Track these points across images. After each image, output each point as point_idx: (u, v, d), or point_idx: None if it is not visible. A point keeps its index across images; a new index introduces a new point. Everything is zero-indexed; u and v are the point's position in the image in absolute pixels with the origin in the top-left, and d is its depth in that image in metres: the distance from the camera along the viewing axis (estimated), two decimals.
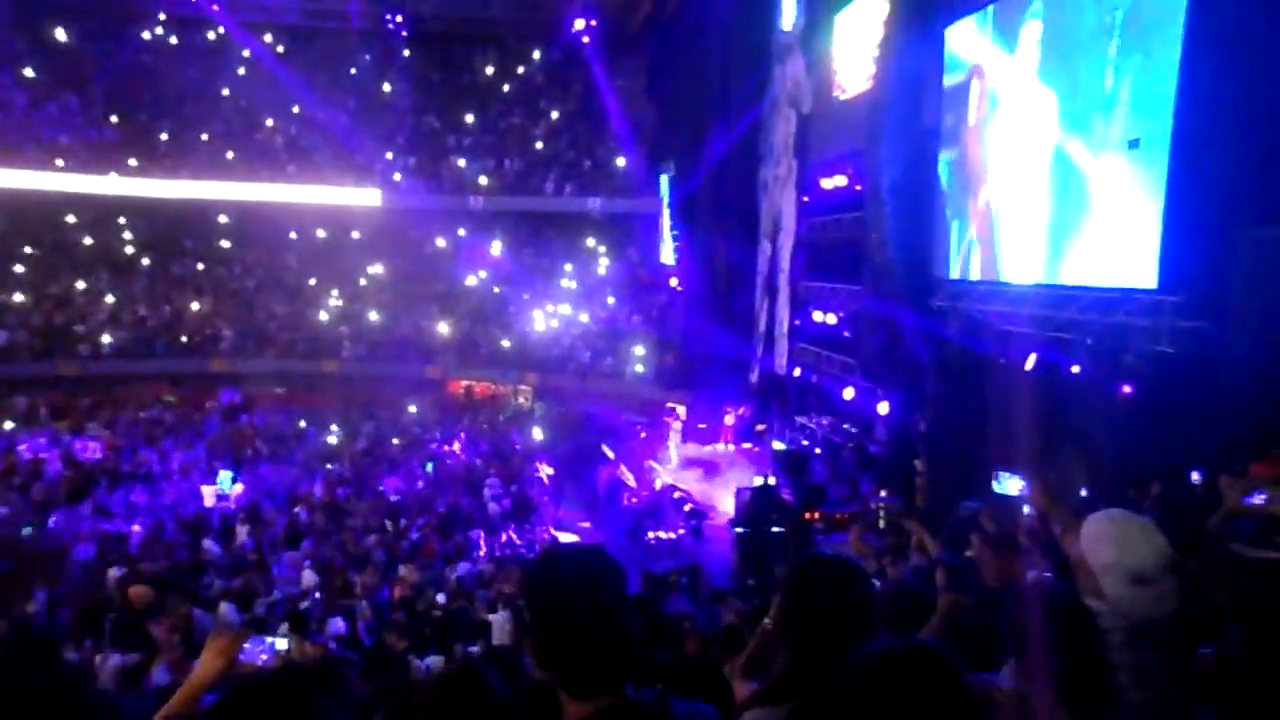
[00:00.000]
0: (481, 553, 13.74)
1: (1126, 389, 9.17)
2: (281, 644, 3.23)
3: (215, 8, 29.21)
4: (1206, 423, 7.31)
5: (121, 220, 29.74)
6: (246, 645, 3.11)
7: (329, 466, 18.71)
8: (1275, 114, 7.24)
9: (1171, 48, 8.42)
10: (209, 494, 15.98)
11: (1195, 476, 6.93)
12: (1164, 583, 2.28)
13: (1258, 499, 4.66)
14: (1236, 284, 8.03)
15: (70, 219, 28.95)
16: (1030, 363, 10.69)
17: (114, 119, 30.28)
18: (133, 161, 28.61)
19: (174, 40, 31.79)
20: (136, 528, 13.74)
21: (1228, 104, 7.66)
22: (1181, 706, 2.24)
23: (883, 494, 13.96)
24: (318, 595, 10.60)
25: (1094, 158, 9.82)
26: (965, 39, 12.88)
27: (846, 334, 16.71)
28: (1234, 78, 7.59)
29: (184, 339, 26.67)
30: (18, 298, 25.92)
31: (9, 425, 21.36)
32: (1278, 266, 7.71)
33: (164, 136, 30.22)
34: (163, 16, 31.19)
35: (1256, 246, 7.92)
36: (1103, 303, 9.74)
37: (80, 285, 27.45)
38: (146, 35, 31.49)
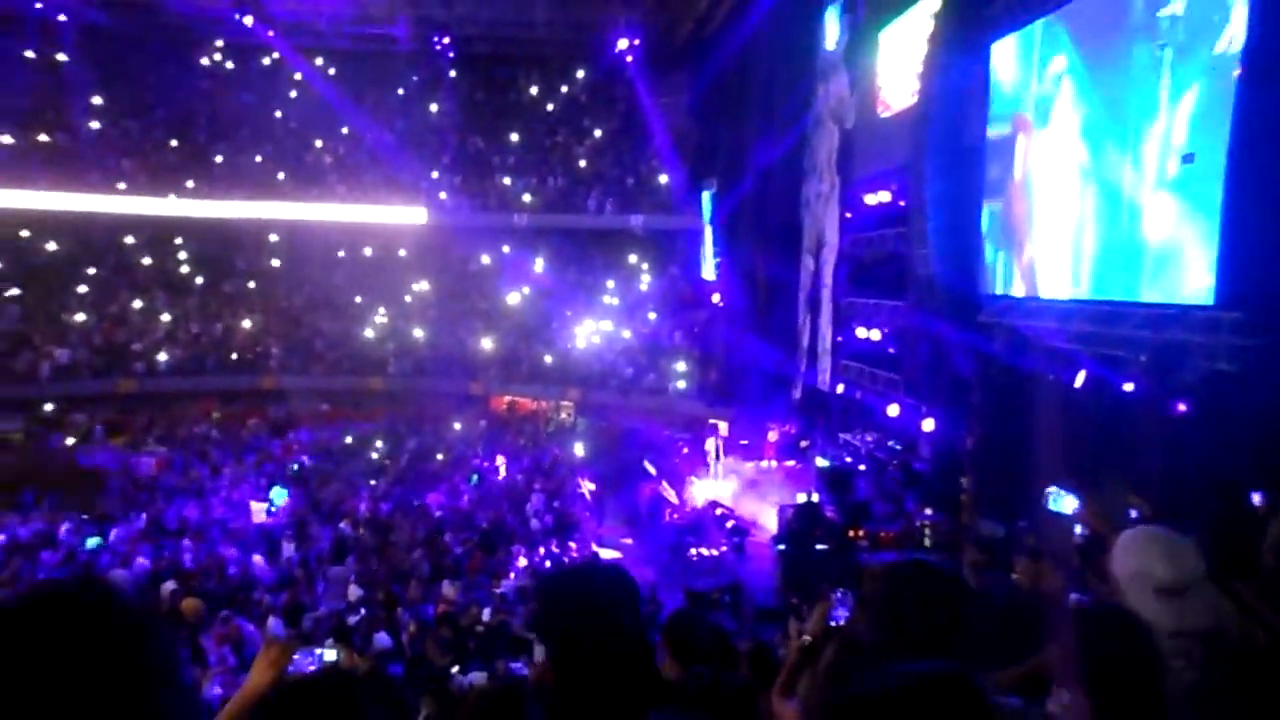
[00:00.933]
0: (522, 566, 13.80)
1: (1182, 407, 8.97)
2: (330, 655, 3.27)
3: (271, 34, 29.92)
4: (1268, 442, 7.13)
5: (178, 240, 30.49)
6: (296, 656, 3.16)
7: (373, 482, 18.93)
8: None
9: (1228, 65, 8.28)
10: (257, 510, 16.24)
11: (1257, 498, 6.75)
12: (1193, 597, 2.24)
13: None
14: None
15: (129, 239, 29.76)
16: (1080, 380, 10.49)
17: (173, 142, 31.13)
18: (190, 183, 29.36)
19: (230, 65, 32.65)
20: (188, 542, 14.00)
21: None
22: None
23: (928, 512, 13.78)
24: (363, 610, 10.72)
25: (1145, 174, 9.66)
26: (1009, 65, 12.77)
27: (890, 350, 16.54)
28: None
29: (234, 356, 27.22)
30: (79, 317, 26.68)
31: (70, 441, 21.96)
32: None
33: (219, 158, 30.97)
34: (220, 43, 32.07)
35: None
36: (1156, 319, 9.55)
37: (138, 304, 28.17)
38: (205, 61, 32.40)
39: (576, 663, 1.67)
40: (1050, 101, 11.73)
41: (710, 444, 19.86)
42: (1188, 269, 8.94)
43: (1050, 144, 11.75)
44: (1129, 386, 9.67)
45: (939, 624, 1.91)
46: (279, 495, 17.10)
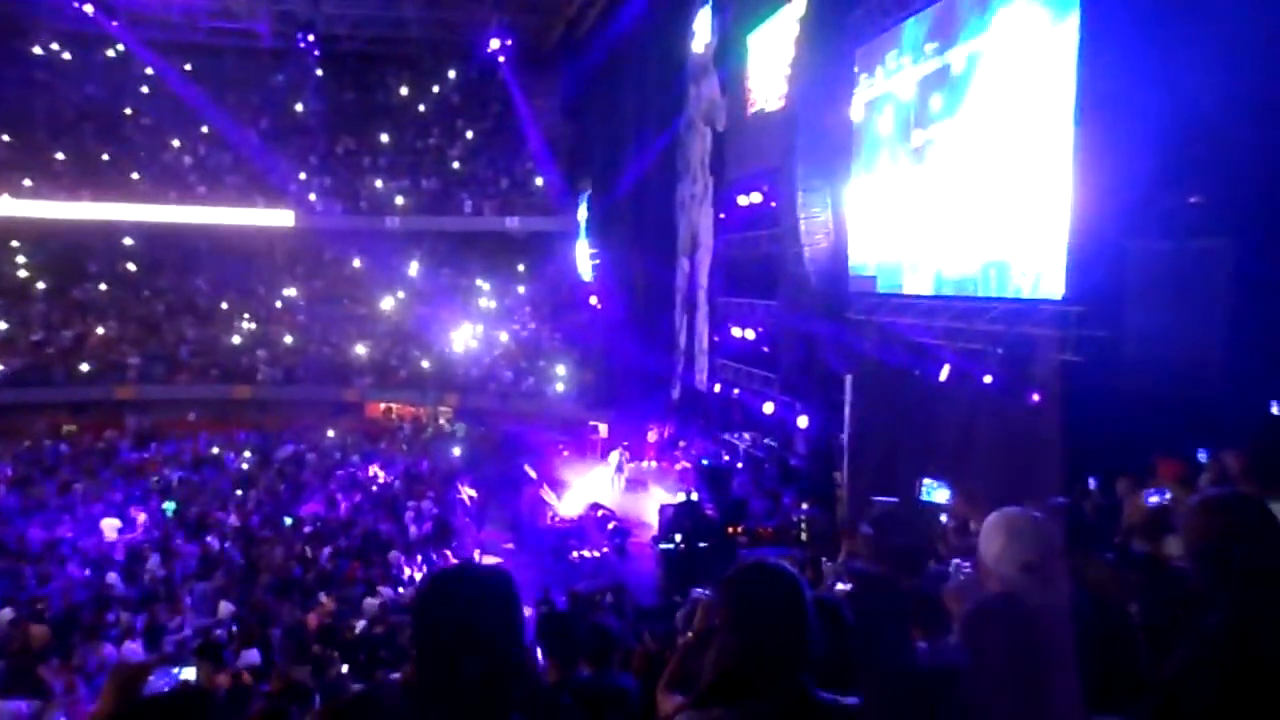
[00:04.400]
0: (405, 576, 13.48)
1: (1035, 398, 9.47)
2: (189, 673, 3.09)
3: (115, 24, 28.17)
4: (1111, 428, 7.58)
5: (15, 243, 28.43)
6: (151, 678, 2.96)
7: (239, 493, 18.14)
8: (1169, 130, 7.58)
9: (1067, 75, 8.82)
10: (109, 527, 15.31)
11: (1091, 483, 7.20)
12: (1051, 569, 2.40)
13: (1153, 498, 4.87)
14: (1135, 294, 8.37)
15: None
16: (944, 373, 10.96)
17: (4, 137, 29.00)
18: (27, 182, 27.42)
19: (68, 56, 30.60)
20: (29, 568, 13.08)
21: (1123, 119, 8.01)
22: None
23: (804, 506, 14.11)
24: (234, 626, 10.25)
25: (1003, 172, 10.17)
26: (873, 61, 13.24)
27: (765, 349, 16.92)
28: (1130, 94, 7.95)
29: (85, 366, 25.57)
30: None
31: None
32: (1167, 278, 8.07)
33: (60, 156, 29.06)
34: (57, 32, 29.98)
35: (1148, 258, 8.28)
36: (1012, 313, 10.07)
37: None
38: (38, 50, 30.24)
39: (440, 662, 1.62)
40: (907, 105, 12.21)
41: (614, 457, 19.62)
42: (1038, 265, 9.45)
43: (911, 143, 12.22)
44: (988, 379, 10.15)
45: (781, 621, 1.96)
46: (169, 507, 16.56)
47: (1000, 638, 2.19)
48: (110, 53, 30.42)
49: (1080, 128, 8.68)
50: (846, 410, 13.90)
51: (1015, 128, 9.88)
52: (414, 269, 30.84)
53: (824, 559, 7.34)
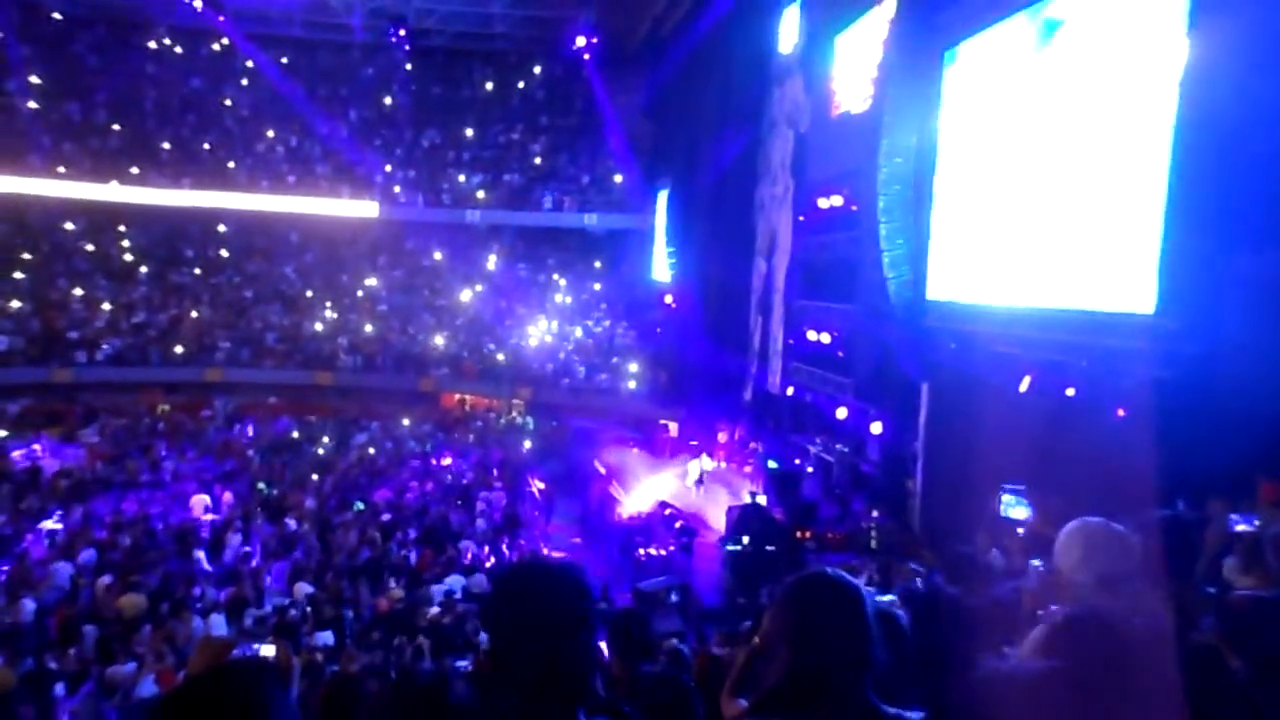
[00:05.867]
0: (474, 565, 13.69)
1: (1121, 412, 9.17)
2: (268, 651, 3.21)
3: (221, 19, 29.34)
4: (1201, 447, 7.31)
5: (121, 228, 29.77)
6: (234, 653, 3.10)
7: (315, 477, 18.65)
8: (1271, 140, 7.28)
9: (1169, 83, 8.50)
10: (198, 504, 15.90)
11: (1180, 505, 6.94)
12: (1132, 585, 2.32)
13: (1241, 525, 4.67)
14: (1233, 310, 8.04)
15: (69, 225, 28.97)
16: (1024, 385, 10.69)
17: (116, 127, 30.38)
18: (134, 169, 28.68)
19: (179, 50, 31.97)
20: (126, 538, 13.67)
21: (1225, 131, 7.71)
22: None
23: (875, 514, 13.93)
24: (307, 608, 10.56)
25: (1092, 183, 9.87)
26: (963, 66, 12.98)
27: (840, 353, 16.71)
28: (1233, 106, 7.65)
29: (180, 348, 26.63)
30: (15, 304, 25.89)
31: (2, 433, 21.30)
32: (1267, 295, 7.74)
33: (166, 145, 30.31)
34: (168, 27, 31.37)
35: (1248, 273, 7.95)
36: (1097, 325, 9.76)
37: (78, 292, 27.42)
38: (152, 45, 31.70)
39: (515, 654, 1.66)
40: (995, 109, 11.93)
41: (694, 466, 19.17)
42: (1129, 277, 9.15)
43: (998, 151, 11.95)
44: (1070, 391, 9.87)
45: (841, 632, 1.94)
46: (263, 487, 17.29)
47: (1087, 649, 2.12)
48: (215, 46, 31.64)
49: (1179, 135, 8.37)
50: (922, 418, 13.67)
51: (1110, 133, 9.58)
52: (492, 262, 31.30)
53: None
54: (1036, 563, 4.30)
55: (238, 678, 1.44)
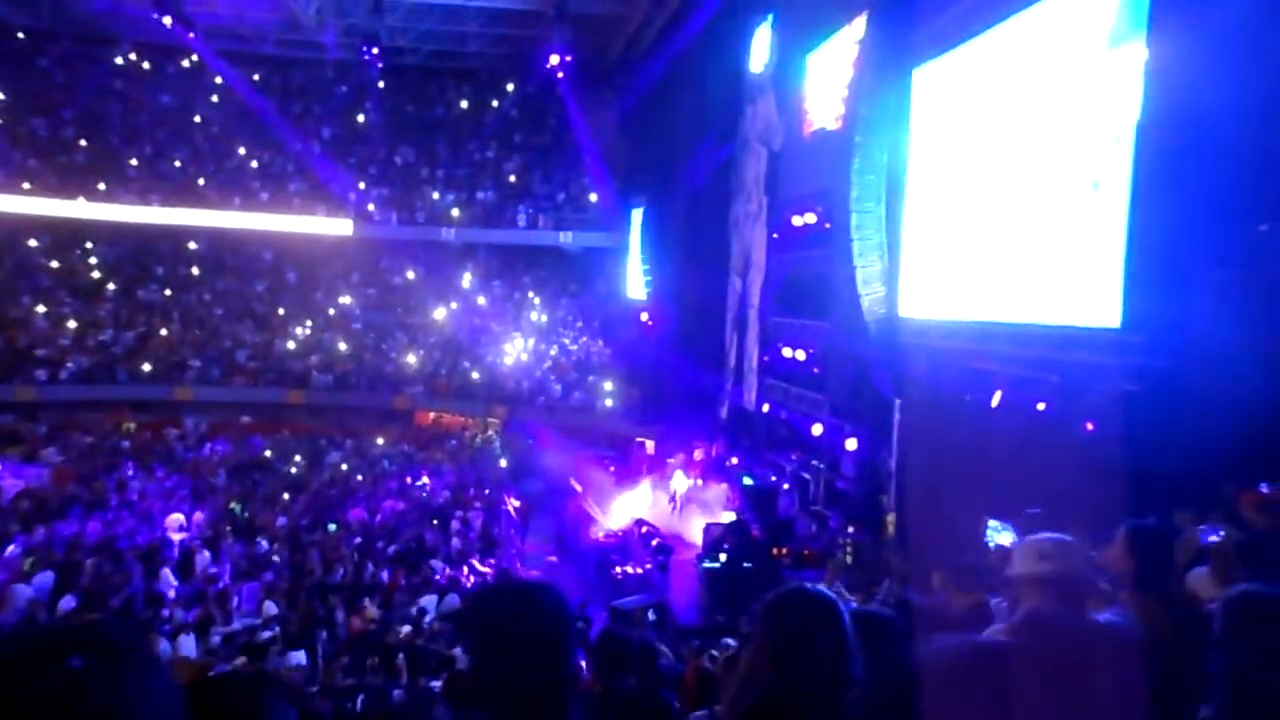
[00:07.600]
0: (448, 584, 13.56)
1: (1089, 426, 9.27)
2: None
3: (191, 36, 29.09)
4: (1168, 460, 7.39)
5: (88, 245, 29.40)
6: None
7: (286, 496, 18.43)
8: (1233, 160, 7.42)
9: (1131, 96, 8.65)
10: (173, 523, 15.63)
11: (1151, 517, 6.99)
12: (1079, 590, 2.55)
13: (1211, 536, 4.73)
14: (1198, 322, 8.16)
15: (33, 242, 28.57)
16: (996, 399, 10.78)
17: (83, 143, 30.06)
18: (101, 185, 28.35)
19: (146, 66, 31.71)
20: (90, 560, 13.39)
21: (1186, 145, 7.85)
22: None
23: (850, 530, 13.97)
24: (277, 628, 10.40)
25: (1056, 199, 10.01)
26: (931, 85, 13.15)
27: (815, 370, 16.80)
28: (1193, 118, 7.79)
29: (148, 366, 26.27)
30: None
31: None
32: (1235, 308, 7.86)
33: (134, 161, 30.01)
34: (136, 43, 31.11)
35: (1213, 288, 8.08)
36: (1066, 340, 9.87)
37: (41, 309, 26.99)
38: (119, 60, 31.40)
39: (492, 673, 1.65)
40: (963, 127, 12.09)
41: (677, 483, 19.03)
42: (1095, 292, 9.27)
43: (967, 169, 12.10)
44: (1041, 406, 9.97)
45: (819, 649, 1.95)
46: (237, 507, 17.00)
47: (1042, 639, 2.21)
48: (185, 63, 31.42)
49: (1139, 150, 8.52)
50: (895, 434, 13.74)
51: (1072, 149, 9.73)
52: (467, 281, 31.21)
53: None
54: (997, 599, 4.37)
55: (236, 690, 1.42)
